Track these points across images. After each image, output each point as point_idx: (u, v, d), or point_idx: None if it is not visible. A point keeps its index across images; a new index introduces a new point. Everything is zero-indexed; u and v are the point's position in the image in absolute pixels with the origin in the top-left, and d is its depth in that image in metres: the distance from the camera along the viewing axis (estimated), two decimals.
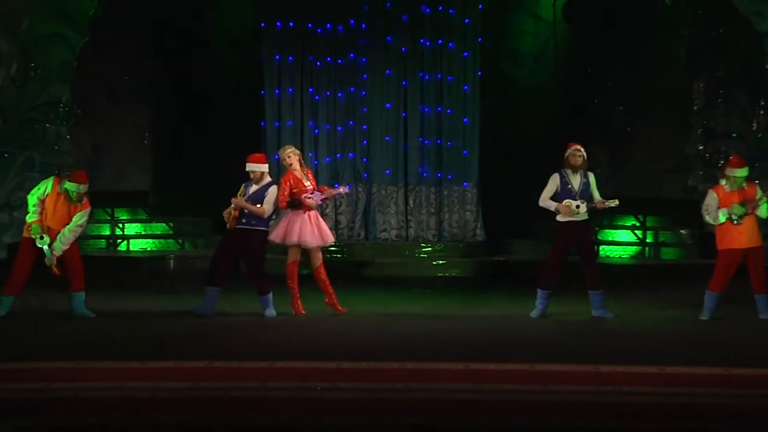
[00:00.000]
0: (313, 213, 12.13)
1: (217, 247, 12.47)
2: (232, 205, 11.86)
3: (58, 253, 11.73)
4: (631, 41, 17.57)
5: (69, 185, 11.79)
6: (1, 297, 11.91)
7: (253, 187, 11.96)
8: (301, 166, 12.25)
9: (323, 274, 12.19)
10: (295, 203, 12.01)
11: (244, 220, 11.91)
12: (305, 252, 12.19)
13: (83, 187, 11.83)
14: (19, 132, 16.55)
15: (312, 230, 12.06)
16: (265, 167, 12.03)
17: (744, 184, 11.94)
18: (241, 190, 11.99)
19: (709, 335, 11.16)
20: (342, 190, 12.96)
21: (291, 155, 12.21)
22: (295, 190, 12.04)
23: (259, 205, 11.85)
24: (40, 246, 11.69)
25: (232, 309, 12.23)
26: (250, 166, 12.00)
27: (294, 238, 12.02)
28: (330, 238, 12.41)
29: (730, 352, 10.09)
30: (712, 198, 11.96)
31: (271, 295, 12.03)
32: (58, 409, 8.22)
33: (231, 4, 17.90)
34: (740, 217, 11.78)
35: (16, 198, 16.66)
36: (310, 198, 12.01)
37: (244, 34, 17.79)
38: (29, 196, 11.97)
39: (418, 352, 9.90)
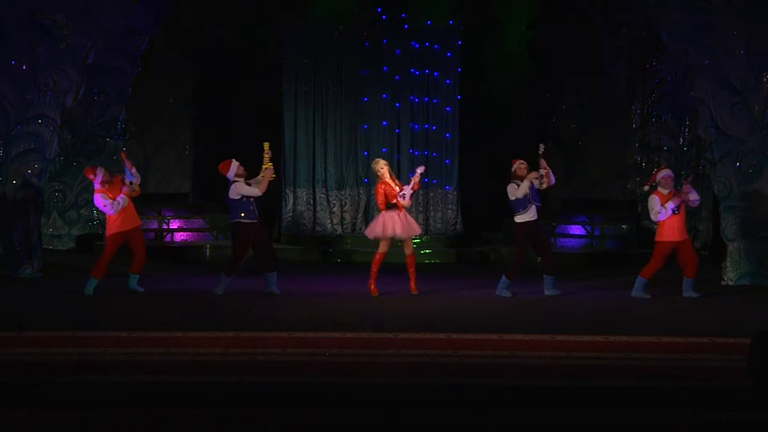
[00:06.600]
0: (402, 211, 12.00)
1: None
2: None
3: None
4: (580, 71, 17.57)
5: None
6: (90, 279, 11.87)
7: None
8: (390, 175, 12.09)
9: (412, 262, 12.14)
10: (391, 205, 11.94)
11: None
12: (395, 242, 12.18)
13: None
14: (84, 145, 16.65)
15: (402, 225, 11.94)
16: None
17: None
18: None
19: (643, 310, 11.17)
20: (419, 171, 12.17)
21: (383, 167, 12.04)
22: (389, 195, 11.91)
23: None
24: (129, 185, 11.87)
25: (255, 288, 12.19)
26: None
27: (389, 232, 11.95)
28: (417, 229, 12.31)
29: (661, 324, 10.10)
30: (654, 200, 11.86)
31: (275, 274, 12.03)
32: (116, 370, 8.21)
33: (256, 40, 17.80)
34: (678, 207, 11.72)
35: (82, 199, 16.68)
36: (402, 198, 11.88)
37: (267, 65, 17.69)
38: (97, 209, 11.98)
39: (408, 324, 9.90)
